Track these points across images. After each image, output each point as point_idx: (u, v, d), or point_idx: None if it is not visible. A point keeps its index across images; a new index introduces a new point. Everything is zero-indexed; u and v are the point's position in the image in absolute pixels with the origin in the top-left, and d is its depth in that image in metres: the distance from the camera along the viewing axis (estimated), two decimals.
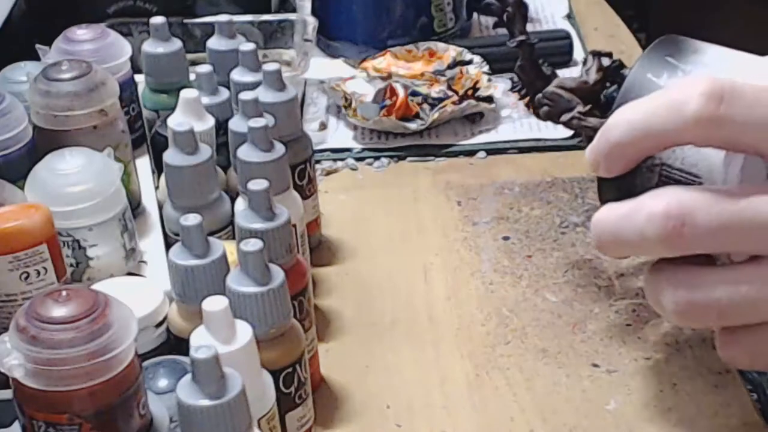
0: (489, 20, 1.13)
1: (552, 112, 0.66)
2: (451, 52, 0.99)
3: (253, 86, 0.71)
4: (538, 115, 0.71)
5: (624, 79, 0.54)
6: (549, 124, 0.72)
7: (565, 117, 0.65)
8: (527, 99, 0.72)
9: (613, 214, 0.50)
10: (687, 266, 0.49)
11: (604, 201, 0.52)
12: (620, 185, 0.52)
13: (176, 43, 0.79)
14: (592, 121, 0.64)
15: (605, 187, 0.54)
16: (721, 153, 0.49)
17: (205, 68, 0.73)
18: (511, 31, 0.70)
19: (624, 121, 0.49)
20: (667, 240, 0.47)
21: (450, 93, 0.94)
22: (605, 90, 0.67)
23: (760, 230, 0.46)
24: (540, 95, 0.67)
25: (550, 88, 0.67)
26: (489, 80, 0.94)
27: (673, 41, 0.54)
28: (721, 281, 0.48)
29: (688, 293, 0.48)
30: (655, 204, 0.47)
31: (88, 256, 0.66)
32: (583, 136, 0.68)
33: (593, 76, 0.67)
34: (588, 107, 0.66)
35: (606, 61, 0.67)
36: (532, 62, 0.70)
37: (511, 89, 0.74)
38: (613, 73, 0.67)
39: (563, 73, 0.99)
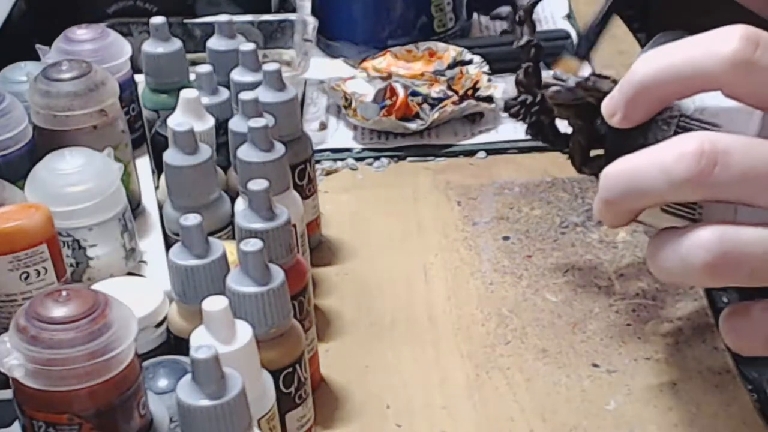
0: (489, 20, 1.13)
1: (561, 92, 0.64)
2: (451, 52, 0.99)
3: (253, 86, 0.71)
4: (533, 126, 0.70)
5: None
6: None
7: (579, 80, 0.63)
8: (521, 114, 0.71)
9: (630, 160, 0.47)
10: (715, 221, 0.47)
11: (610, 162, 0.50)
12: (631, 140, 0.50)
13: (176, 43, 0.79)
14: (605, 84, 0.63)
15: (613, 145, 0.52)
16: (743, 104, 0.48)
17: (205, 68, 0.73)
18: (520, 33, 0.70)
19: (652, 63, 0.48)
20: (696, 180, 0.45)
21: (450, 93, 0.94)
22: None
23: None
24: (547, 79, 0.66)
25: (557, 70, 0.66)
26: (489, 80, 0.94)
27: (682, 33, 0.54)
28: (759, 235, 0.45)
29: (721, 245, 0.45)
30: (686, 143, 0.46)
31: (88, 256, 0.66)
32: (572, 146, 0.67)
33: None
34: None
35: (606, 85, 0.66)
36: (536, 66, 0.70)
37: (505, 109, 0.72)
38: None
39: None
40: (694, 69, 0.47)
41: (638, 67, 0.49)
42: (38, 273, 0.59)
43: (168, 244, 0.67)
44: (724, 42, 0.46)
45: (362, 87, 0.95)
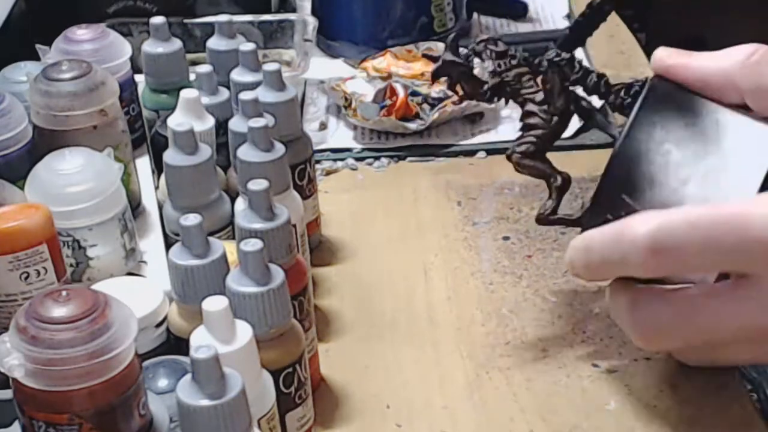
0: (489, 20, 1.13)
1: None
2: None
3: (253, 86, 0.71)
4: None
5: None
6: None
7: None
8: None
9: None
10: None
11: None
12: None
13: (176, 43, 0.79)
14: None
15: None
16: None
17: (205, 68, 0.73)
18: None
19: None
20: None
21: (450, 93, 0.94)
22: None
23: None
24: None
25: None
26: None
27: None
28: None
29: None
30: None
31: (88, 256, 0.66)
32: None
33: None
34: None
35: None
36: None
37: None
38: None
39: None
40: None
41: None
42: (38, 273, 0.59)
43: (168, 244, 0.67)
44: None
45: (362, 87, 0.95)
